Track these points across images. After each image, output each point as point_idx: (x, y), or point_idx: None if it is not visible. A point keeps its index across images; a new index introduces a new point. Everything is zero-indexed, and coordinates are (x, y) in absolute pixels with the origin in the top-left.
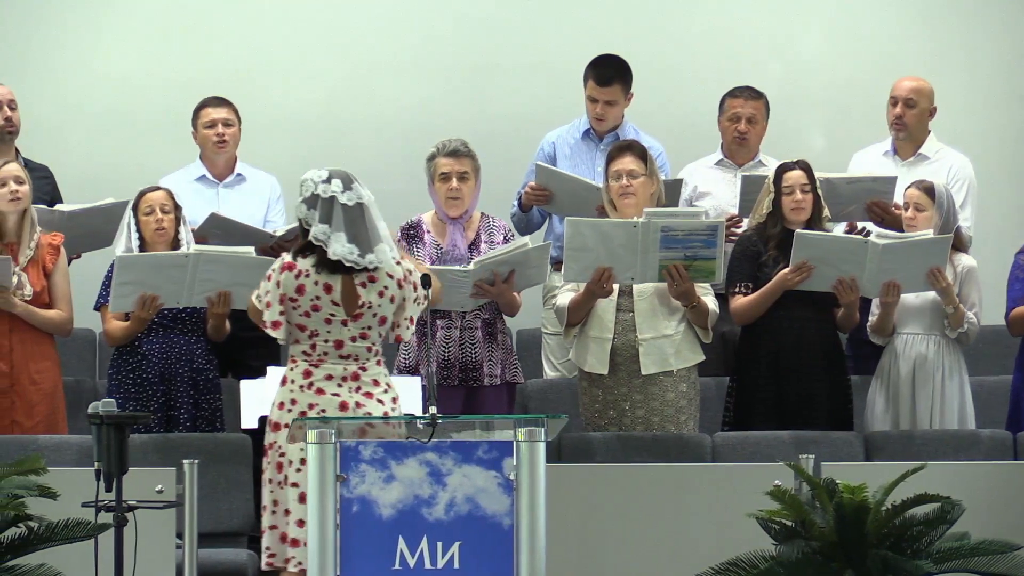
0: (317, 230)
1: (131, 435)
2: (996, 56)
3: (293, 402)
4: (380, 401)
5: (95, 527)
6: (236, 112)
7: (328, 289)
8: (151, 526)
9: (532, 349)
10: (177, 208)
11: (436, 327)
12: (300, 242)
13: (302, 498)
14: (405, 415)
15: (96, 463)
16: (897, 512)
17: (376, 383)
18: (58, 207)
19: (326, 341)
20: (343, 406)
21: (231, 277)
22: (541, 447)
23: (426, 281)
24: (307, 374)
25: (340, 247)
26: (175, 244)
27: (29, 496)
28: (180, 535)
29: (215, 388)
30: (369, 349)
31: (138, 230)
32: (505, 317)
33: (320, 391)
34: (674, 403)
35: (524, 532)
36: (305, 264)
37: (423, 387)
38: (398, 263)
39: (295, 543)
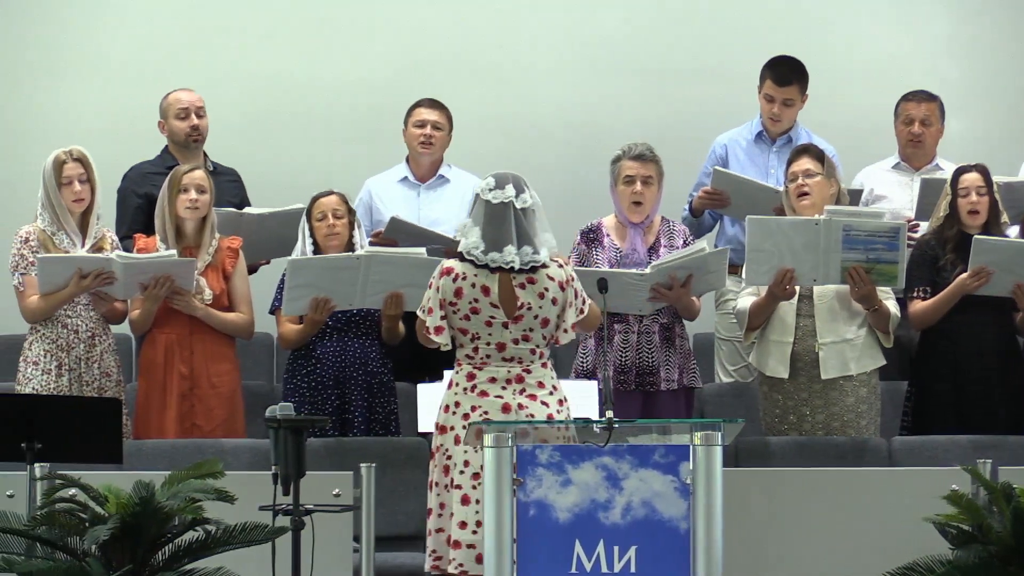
0: (461, 224)
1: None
2: None
3: (457, 404)
4: (544, 403)
5: (273, 530)
6: (449, 118)
7: (486, 291)
8: (328, 530)
9: (709, 353)
10: (351, 212)
11: (613, 331)
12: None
13: (464, 500)
14: (581, 419)
15: (273, 466)
16: None
17: (541, 385)
18: (247, 210)
19: (488, 344)
20: (505, 408)
21: (403, 278)
22: (718, 451)
23: (603, 284)
24: (470, 377)
25: (467, 240)
26: (349, 249)
27: (207, 499)
28: (357, 539)
29: (389, 392)
30: (533, 351)
31: (312, 235)
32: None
33: (483, 393)
34: (854, 408)
35: (701, 536)
36: (462, 267)
37: (600, 391)
38: (560, 266)
39: (456, 545)
